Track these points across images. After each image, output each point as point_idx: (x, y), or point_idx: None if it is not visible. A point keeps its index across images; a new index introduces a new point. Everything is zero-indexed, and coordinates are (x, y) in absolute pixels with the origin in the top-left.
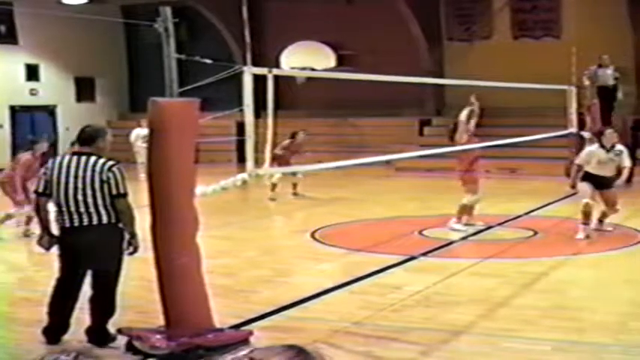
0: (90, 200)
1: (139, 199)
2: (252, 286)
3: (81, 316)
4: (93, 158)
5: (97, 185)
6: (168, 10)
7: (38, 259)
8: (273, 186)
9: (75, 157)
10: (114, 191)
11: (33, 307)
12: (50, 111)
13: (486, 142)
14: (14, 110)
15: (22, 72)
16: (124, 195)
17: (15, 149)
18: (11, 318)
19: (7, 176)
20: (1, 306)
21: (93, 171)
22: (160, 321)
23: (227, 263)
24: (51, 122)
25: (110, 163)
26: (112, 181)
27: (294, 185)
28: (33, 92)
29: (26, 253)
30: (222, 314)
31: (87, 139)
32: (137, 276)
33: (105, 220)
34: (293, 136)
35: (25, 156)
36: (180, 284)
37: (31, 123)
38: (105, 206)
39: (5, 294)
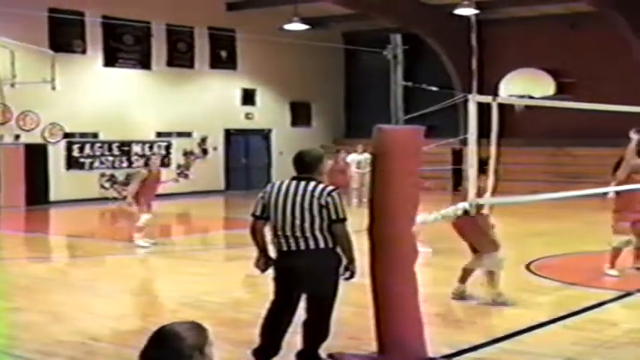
0: (307, 225)
1: (352, 224)
2: (466, 316)
3: (292, 339)
4: (312, 183)
5: (315, 210)
6: (398, 38)
7: (250, 280)
8: None
9: (294, 182)
10: (333, 216)
11: (243, 328)
12: (265, 135)
13: None
14: (229, 133)
15: (238, 96)
16: (343, 220)
17: (228, 172)
18: (221, 338)
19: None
20: (210, 326)
21: (312, 196)
22: (372, 348)
23: (441, 292)
24: (265, 146)
25: (329, 188)
26: (331, 206)
27: None
28: (248, 116)
29: (237, 274)
30: (435, 343)
31: (306, 165)
32: (351, 301)
33: (322, 244)
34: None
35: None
36: (395, 312)
37: (245, 146)
38: (322, 231)
39: (216, 314)
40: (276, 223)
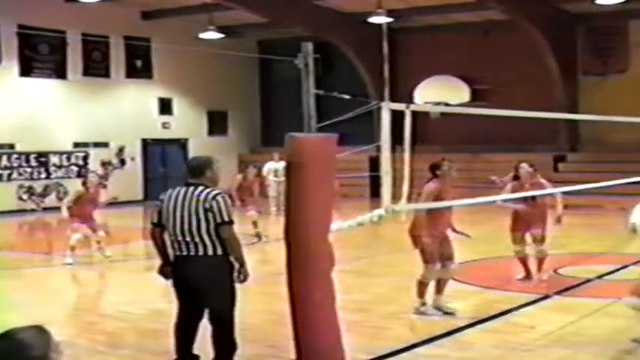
0: (194, 228)
1: (270, 232)
2: (383, 322)
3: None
4: (200, 188)
5: (201, 213)
6: (309, 46)
7: (169, 290)
8: None
9: (184, 188)
10: (218, 219)
11: (163, 339)
12: (182, 144)
13: (617, 179)
14: (146, 143)
15: (155, 106)
16: (229, 223)
17: (146, 182)
18: (141, 348)
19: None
20: (131, 336)
21: (197, 200)
22: (290, 355)
23: (359, 299)
24: (182, 155)
25: (215, 192)
26: (216, 209)
27: None
28: (165, 126)
29: (156, 284)
30: (353, 350)
31: (195, 170)
32: (267, 309)
33: (210, 251)
34: None
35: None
36: (312, 319)
37: (162, 156)
38: (209, 235)
39: (136, 325)
40: (169, 228)
